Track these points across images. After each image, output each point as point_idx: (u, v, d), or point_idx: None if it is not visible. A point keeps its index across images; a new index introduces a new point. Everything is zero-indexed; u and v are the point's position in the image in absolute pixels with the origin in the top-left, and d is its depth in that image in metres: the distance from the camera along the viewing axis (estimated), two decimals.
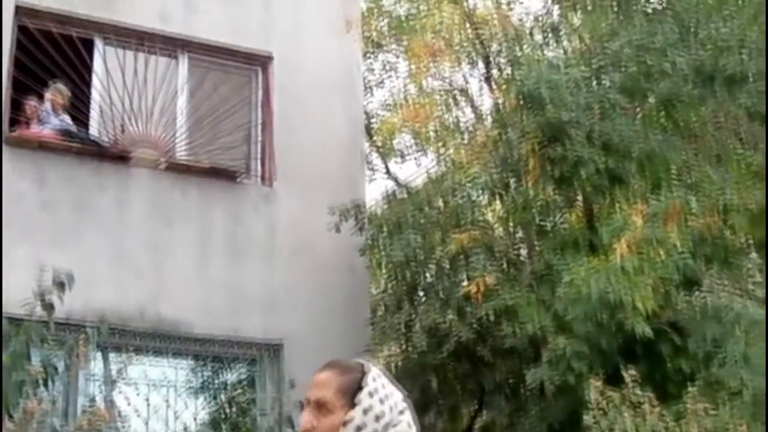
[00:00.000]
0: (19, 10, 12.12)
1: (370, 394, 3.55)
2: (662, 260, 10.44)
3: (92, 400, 10.95)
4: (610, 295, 10.09)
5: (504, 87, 13.78)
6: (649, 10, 12.97)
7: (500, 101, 13.99)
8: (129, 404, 11.38)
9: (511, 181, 12.37)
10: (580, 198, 12.48)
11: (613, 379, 10.01)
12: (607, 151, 11.26)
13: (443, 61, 14.65)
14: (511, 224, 13.58)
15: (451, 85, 15.98)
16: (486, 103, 15.52)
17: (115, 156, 12.14)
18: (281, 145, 12.99)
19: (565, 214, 13.03)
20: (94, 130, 12.37)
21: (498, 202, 13.33)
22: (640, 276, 10.27)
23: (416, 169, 17.81)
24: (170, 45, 12.85)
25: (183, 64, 12.94)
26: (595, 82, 12.03)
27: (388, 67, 17.56)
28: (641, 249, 10.44)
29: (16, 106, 12.19)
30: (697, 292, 11.47)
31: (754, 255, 12.59)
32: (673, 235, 10.51)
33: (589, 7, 13.39)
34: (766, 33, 11.68)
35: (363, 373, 3.60)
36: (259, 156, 13.10)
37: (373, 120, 17.09)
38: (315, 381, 3.59)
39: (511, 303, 11.14)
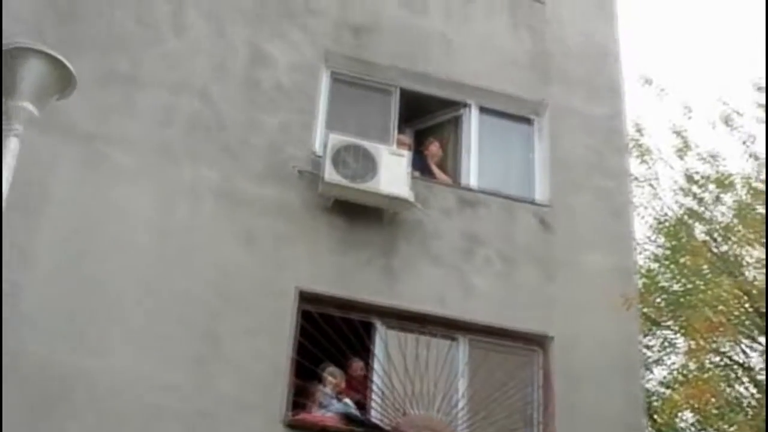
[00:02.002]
0: (302, 295, 12.54)
1: None
2: None
3: None
4: None
5: None
6: None
7: None
8: None
9: None
10: None
11: None
12: None
13: (722, 336, 14.30)
14: None
15: (731, 360, 15.60)
16: None
17: None
18: (560, 425, 12.76)
19: None
20: (375, 413, 12.47)
21: None
22: None
23: None
24: (449, 328, 12.98)
25: (463, 346, 13.01)
26: None
27: (666, 344, 17.33)
28: None
29: (297, 389, 12.42)
30: None
31: None
32: None
33: None
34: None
35: None
36: None
37: (653, 398, 16.74)
38: None
39: None
